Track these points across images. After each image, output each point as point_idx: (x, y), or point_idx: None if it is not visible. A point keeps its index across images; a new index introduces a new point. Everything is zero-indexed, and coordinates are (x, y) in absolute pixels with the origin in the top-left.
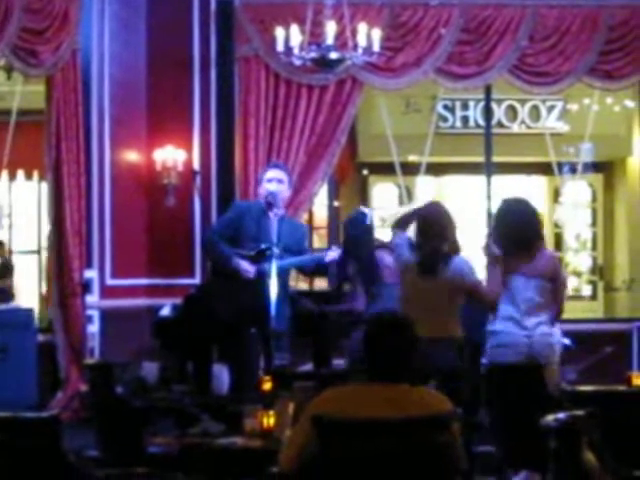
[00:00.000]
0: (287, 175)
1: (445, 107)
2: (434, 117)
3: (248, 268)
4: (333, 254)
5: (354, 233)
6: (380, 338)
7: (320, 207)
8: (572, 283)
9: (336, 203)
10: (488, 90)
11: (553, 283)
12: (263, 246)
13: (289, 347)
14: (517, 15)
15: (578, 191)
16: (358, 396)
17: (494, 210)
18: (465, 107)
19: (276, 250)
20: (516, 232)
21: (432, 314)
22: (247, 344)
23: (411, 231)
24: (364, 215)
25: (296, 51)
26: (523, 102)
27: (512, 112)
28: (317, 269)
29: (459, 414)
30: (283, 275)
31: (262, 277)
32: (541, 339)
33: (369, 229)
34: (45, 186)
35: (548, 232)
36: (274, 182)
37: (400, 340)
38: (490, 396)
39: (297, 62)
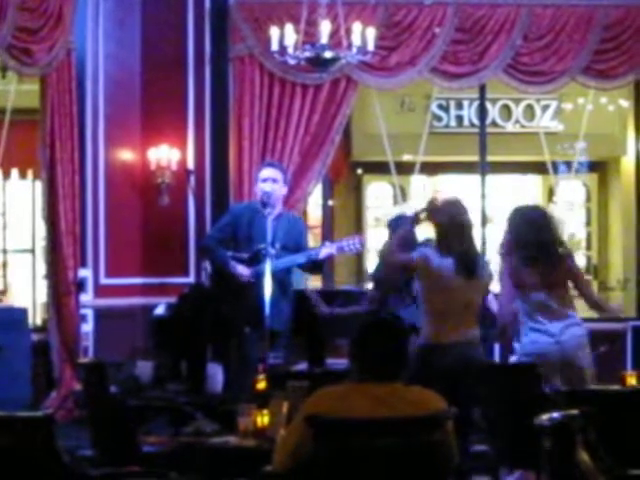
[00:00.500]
0: (282, 173)
1: (439, 106)
2: (428, 116)
3: (243, 272)
4: (327, 250)
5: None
6: (373, 337)
7: (314, 206)
8: None
9: (330, 202)
10: (482, 89)
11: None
12: (258, 247)
13: (286, 346)
14: (511, 14)
15: (572, 190)
16: (352, 395)
17: (501, 216)
18: (459, 106)
19: (271, 250)
20: (534, 241)
21: (471, 315)
22: (242, 343)
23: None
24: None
25: (290, 50)
26: (517, 101)
27: (506, 111)
28: (313, 266)
29: (453, 413)
30: (280, 274)
31: (260, 278)
32: (570, 341)
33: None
34: (39, 185)
35: None
36: (269, 182)
37: (393, 338)
38: (485, 396)
39: (291, 61)
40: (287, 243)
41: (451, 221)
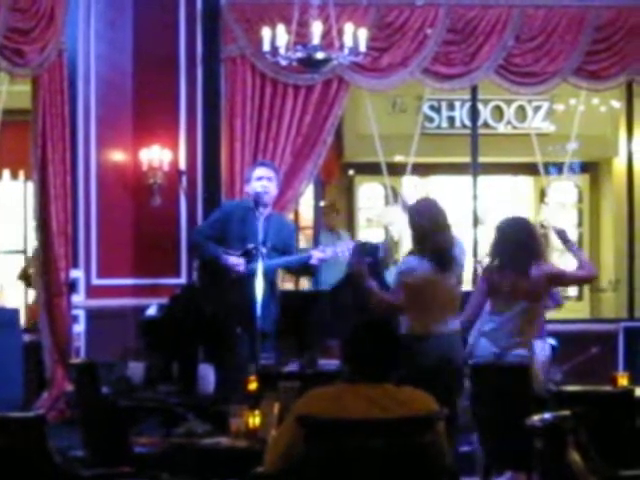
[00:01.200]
0: (275, 173)
1: (431, 107)
2: (420, 117)
3: (237, 261)
4: (319, 255)
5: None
6: (365, 338)
7: (306, 207)
8: None
9: (322, 203)
10: (474, 90)
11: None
12: (249, 246)
13: (275, 347)
14: (503, 15)
15: (564, 192)
16: (343, 396)
17: (493, 217)
18: (451, 107)
19: (263, 249)
20: (512, 251)
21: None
22: (234, 344)
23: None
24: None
25: (282, 51)
26: (509, 102)
27: (498, 112)
28: (304, 270)
29: (444, 413)
30: (270, 275)
31: (249, 276)
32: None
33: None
34: (31, 186)
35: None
36: (264, 180)
37: (385, 339)
38: (476, 397)
39: (283, 62)
40: (277, 244)
41: (431, 222)
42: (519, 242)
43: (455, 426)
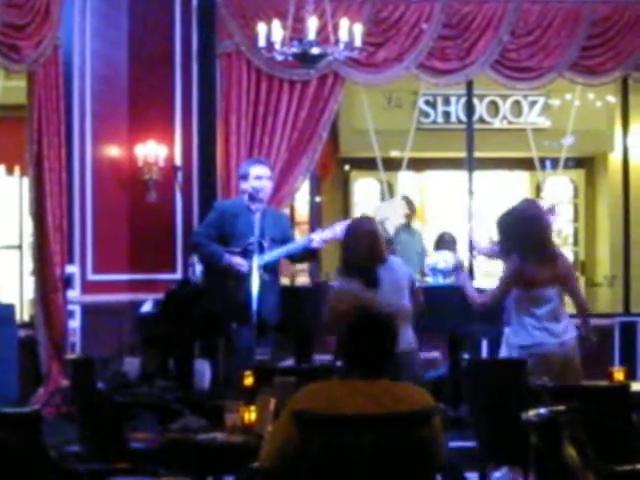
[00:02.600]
0: (270, 170)
1: (427, 102)
2: (416, 112)
3: (241, 262)
4: (318, 237)
5: None
6: (361, 334)
7: (302, 203)
8: None
9: (318, 199)
10: (470, 85)
11: (568, 283)
12: (250, 241)
13: (274, 342)
14: (499, 10)
15: (560, 186)
16: (339, 391)
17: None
18: (447, 102)
19: (264, 243)
20: (533, 238)
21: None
22: (230, 339)
23: None
24: None
25: (278, 46)
26: (505, 97)
27: (494, 107)
28: (306, 255)
29: (441, 409)
30: (272, 266)
31: (250, 273)
32: (571, 342)
33: None
34: (26, 181)
35: None
36: (264, 179)
37: (381, 336)
38: (472, 392)
39: (279, 57)
40: (275, 236)
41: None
42: (533, 232)
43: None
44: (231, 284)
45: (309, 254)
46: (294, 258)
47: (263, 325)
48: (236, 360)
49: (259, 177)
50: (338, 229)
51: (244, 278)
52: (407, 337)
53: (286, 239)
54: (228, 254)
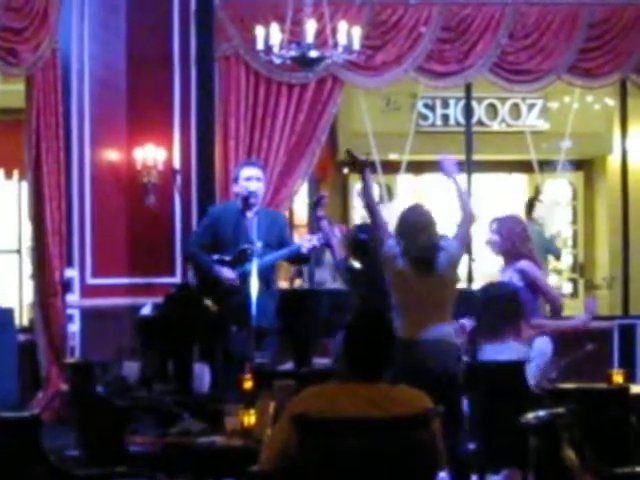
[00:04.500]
0: (263, 172)
1: (425, 105)
2: (414, 115)
3: (229, 276)
4: (309, 244)
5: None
6: (360, 337)
7: (300, 205)
8: (553, 281)
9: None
10: (468, 88)
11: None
12: (243, 247)
13: (274, 345)
14: (497, 13)
15: (558, 189)
16: (338, 395)
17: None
18: (445, 105)
19: (257, 247)
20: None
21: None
22: (229, 343)
23: None
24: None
25: (276, 50)
26: (503, 100)
27: (492, 110)
28: (299, 259)
29: (439, 412)
30: (265, 273)
31: (245, 278)
32: None
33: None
34: (25, 185)
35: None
36: (253, 180)
37: (380, 339)
38: (470, 394)
39: (277, 61)
40: (269, 239)
41: (413, 225)
42: None
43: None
44: (221, 294)
45: (301, 259)
46: (288, 261)
47: (259, 329)
48: (231, 364)
49: (248, 178)
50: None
51: (234, 288)
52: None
53: (282, 241)
54: (217, 266)
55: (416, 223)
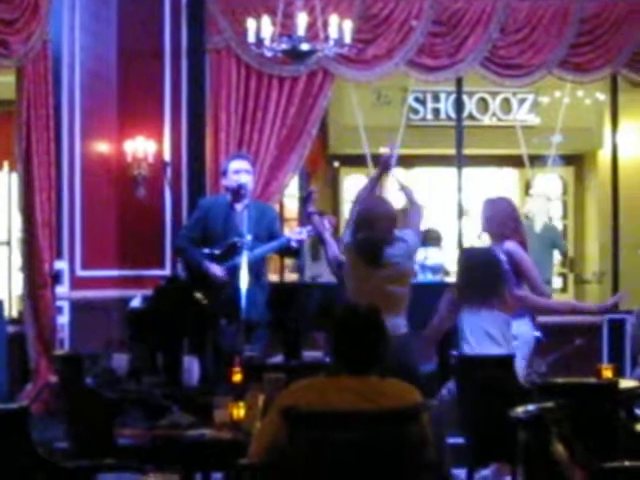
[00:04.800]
0: (251, 164)
1: (416, 99)
2: (405, 109)
3: (217, 272)
4: (298, 236)
5: None
6: (350, 330)
7: (291, 199)
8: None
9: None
10: (459, 82)
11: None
12: (232, 240)
13: (264, 337)
14: (488, 7)
15: (549, 184)
16: (328, 388)
17: (477, 209)
18: (436, 99)
19: (246, 240)
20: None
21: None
22: (219, 336)
23: None
24: None
25: (267, 43)
26: (494, 95)
27: (483, 104)
28: (287, 252)
29: (429, 405)
30: (255, 266)
31: (235, 272)
32: None
33: None
34: (15, 177)
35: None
36: (242, 173)
37: (370, 332)
38: (460, 388)
39: (268, 53)
40: (259, 232)
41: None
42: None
43: None
44: (212, 286)
45: (290, 253)
46: (278, 254)
47: (249, 322)
48: (220, 357)
49: (237, 171)
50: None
51: (225, 283)
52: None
53: (272, 234)
54: (207, 262)
55: (372, 214)
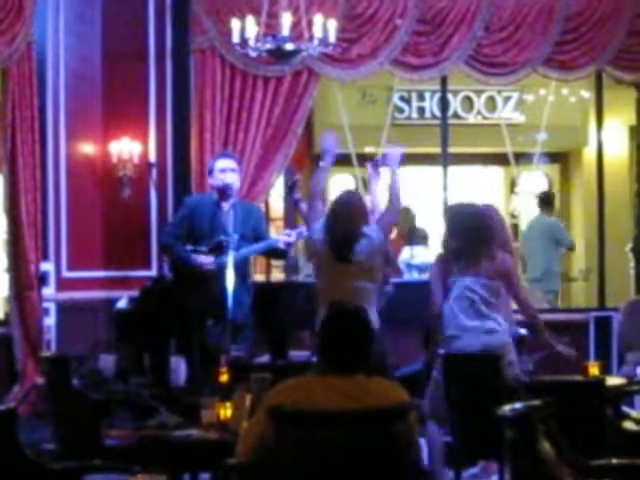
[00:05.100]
0: (237, 163)
1: (401, 98)
2: (390, 108)
3: (206, 260)
4: (285, 238)
5: None
6: (336, 329)
7: (276, 198)
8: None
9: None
10: (444, 81)
11: (506, 284)
12: (218, 239)
13: (250, 338)
14: (473, 5)
15: (534, 181)
16: (314, 387)
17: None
18: (421, 98)
19: (232, 240)
20: (468, 237)
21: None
22: (205, 336)
23: None
24: None
25: (252, 42)
26: (479, 93)
27: (468, 103)
28: (275, 254)
29: (415, 404)
30: (241, 266)
31: (220, 270)
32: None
33: None
34: (0, 178)
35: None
36: (228, 172)
37: (357, 332)
38: (447, 387)
39: (253, 53)
40: (245, 232)
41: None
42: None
43: None
44: (198, 280)
45: (277, 254)
46: (264, 255)
47: (235, 323)
48: (207, 357)
49: (223, 170)
50: (304, 230)
51: (210, 277)
52: None
53: (258, 234)
54: (195, 254)
55: (341, 209)
